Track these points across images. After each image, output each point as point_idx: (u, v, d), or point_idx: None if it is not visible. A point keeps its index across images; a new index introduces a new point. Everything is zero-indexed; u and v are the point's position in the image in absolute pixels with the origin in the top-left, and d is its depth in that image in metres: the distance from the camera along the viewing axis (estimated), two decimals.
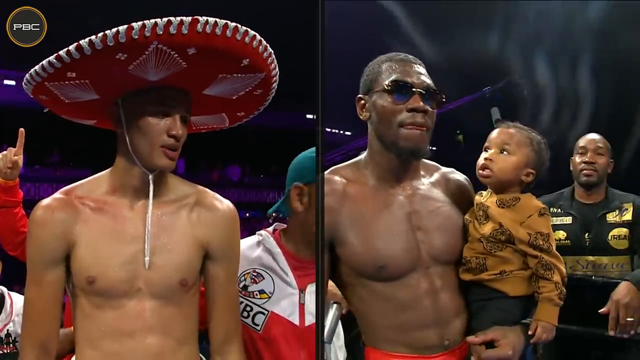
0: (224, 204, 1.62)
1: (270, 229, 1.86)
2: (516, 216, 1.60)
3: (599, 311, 1.88)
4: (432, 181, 1.70)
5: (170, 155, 1.47)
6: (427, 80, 1.61)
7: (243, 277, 1.75)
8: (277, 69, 1.52)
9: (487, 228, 1.60)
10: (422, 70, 1.64)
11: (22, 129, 2.24)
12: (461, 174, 1.77)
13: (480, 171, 1.67)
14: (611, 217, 2.78)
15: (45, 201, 1.53)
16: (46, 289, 1.49)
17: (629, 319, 1.83)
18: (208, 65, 1.41)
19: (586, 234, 2.79)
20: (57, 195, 1.54)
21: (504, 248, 1.59)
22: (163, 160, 1.47)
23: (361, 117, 1.65)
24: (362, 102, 1.65)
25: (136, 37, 1.29)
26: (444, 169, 1.76)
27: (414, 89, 1.57)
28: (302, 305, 1.71)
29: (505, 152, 1.65)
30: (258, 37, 1.41)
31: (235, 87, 1.51)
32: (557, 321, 1.60)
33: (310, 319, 1.70)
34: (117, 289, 1.47)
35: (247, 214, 13.22)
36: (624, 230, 2.71)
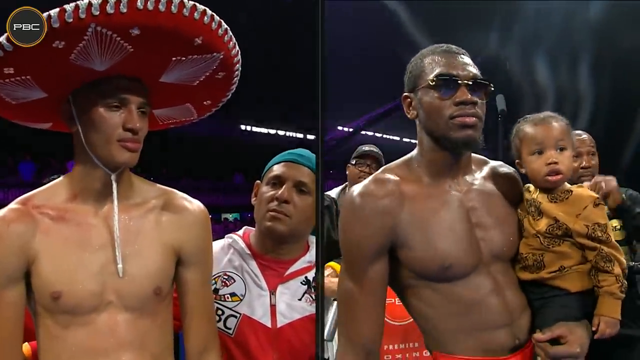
0: (194, 204, 1.51)
1: (240, 231, 1.81)
2: (571, 209, 1.55)
3: None
4: (483, 175, 1.66)
5: (130, 147, 1.35)
6: (474, 70, 1.55)
7: (214, 281, 1.69)
8: (237, 47, 1.40)
9: (542, 224, 1.56)
10: (467, 60, 1.58)
11: None
12: (509, 167, 1.71)
13: (551, 178, 1.57)
14: None
15: None
16: (5, 311, 1.33)
17: None
18: (157, 47, 1.29)
19: None
20: (12, 205, 1.38)
21: (561, 242, 1.54)
22: (123, 154, 1.35)
23: (408, 115, 1.61)
24: (409, 100, 1.61)
25: (70, 20, 1.17)
26: (493, 162, 1.72)
27: (459, 82, 1.52)
28: (273, 307, 1.66)
29: (560, 149, 1.59)
30: (209, 12, 1.29)
31: (193, 71, 1.39)
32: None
33: (282, 320, 1.65)
34: (86, 304, 1.34)
35: None
36: (616, 222, 2.70)
